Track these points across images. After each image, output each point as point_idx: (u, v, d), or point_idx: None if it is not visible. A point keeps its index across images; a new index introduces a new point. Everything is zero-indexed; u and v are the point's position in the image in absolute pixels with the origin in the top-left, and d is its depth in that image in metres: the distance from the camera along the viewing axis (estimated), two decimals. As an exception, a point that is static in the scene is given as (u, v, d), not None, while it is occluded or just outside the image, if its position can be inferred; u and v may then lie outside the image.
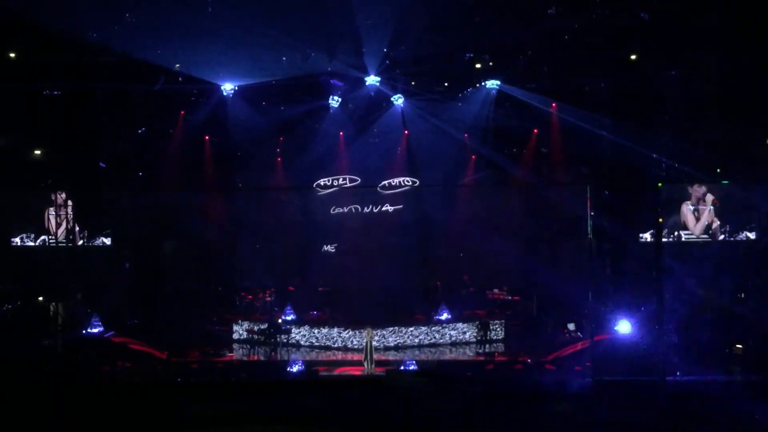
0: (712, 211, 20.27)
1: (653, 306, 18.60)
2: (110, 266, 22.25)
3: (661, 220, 19.33)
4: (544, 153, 23.87)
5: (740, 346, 18.15)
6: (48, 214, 21.51)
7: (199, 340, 20.86)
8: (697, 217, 20.17)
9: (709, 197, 20.28)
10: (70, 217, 20.97)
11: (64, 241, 20.85)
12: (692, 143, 20.02)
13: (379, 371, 18.14)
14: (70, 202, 21.07)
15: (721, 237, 20.36)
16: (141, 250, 23.25)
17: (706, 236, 20.31)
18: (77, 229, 21.16)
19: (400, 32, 19.13)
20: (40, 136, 21.61)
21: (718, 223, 20.20)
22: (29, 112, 20.70)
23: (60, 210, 20.90)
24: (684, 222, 20.56)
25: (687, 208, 20.52)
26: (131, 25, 18.55)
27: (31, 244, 21.51)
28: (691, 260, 19.72)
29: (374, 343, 19.07)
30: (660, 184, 19.79)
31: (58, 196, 20.98)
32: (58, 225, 20.92)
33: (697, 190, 20.44)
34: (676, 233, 20.48)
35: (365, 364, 18.57)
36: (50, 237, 21.13)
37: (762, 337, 18.23)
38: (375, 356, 18.78)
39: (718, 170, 20.27)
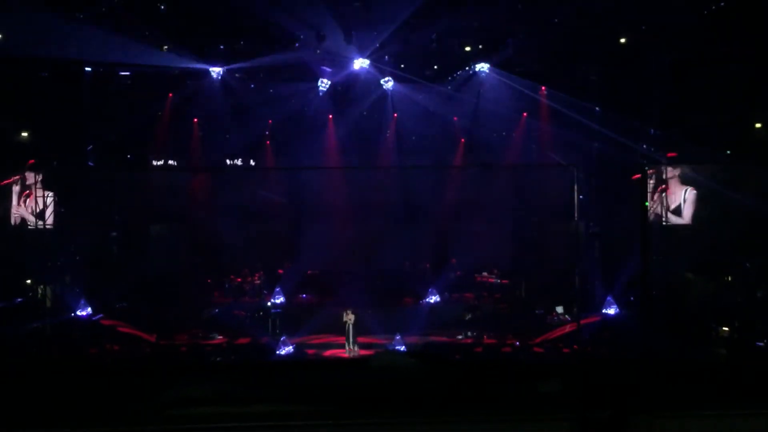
0: (668, 197, 19.65)
1: (640, 289, 18.77)
2: (98, 249, 22.16)
3: (647, 203, 19.36)
4: (532, 136, 23.90)
5: (726, 328, 18.33)
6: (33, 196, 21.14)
7: (188, 323, 20.87)
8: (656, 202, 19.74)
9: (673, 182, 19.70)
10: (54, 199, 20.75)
11: (50, 223, 20.62)
12: (679, 126, 20.06)
13: (366, 353, 18.25)
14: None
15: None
16: (129, 232, 23.16)
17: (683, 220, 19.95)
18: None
19: (389, 15, 19.06)
20: (25, 118, 21.39)
21: (692, 207, 19.64)
22: (14, 92, 20.48)
23: (37, 191, 20.51)
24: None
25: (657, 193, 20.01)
26: (119, 5, 18.41)
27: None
28: (677, 243, 19.78)
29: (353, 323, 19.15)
30: (646, 168, 19.78)
31: (36, 177, 20.61)
32: (37, 207, 20.60)
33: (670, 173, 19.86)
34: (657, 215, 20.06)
35: (346, 345, 18.71)
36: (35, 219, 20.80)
37: (747, 319, 18.40)
38: (365, 338, 18.88)
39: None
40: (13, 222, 20.25)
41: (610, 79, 21.15)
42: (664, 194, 19.36)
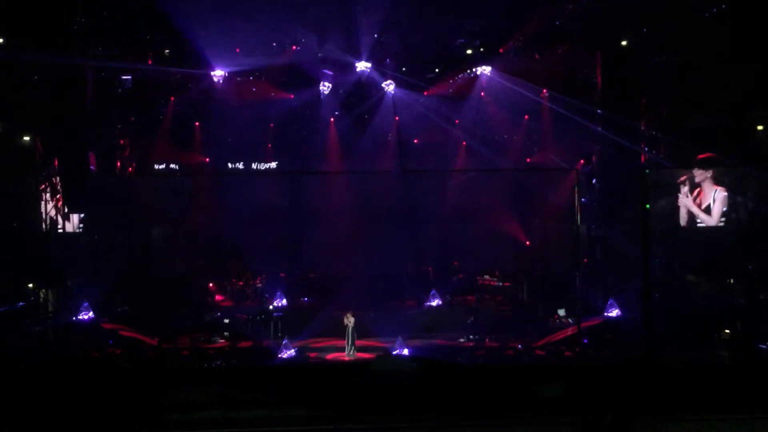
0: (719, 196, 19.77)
1: (642, 292, 18.72)
2: (100, 252, 22.14)
3: (648, 206, 19.32)
4: (534, 139, 23.89)
5: (728, 331, 18.28)
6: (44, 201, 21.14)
7: (190, 326, 20.84)
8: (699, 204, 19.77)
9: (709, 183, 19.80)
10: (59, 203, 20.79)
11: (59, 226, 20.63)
12: (682, 128, 20.03)
13: (365, 356, 18.28)
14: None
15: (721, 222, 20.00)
16: (131, 235, 23.15)
17: (712, 219, 19.87)
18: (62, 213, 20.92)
19: (391, 17, 19.07)
20: (29, 122, 21.40)
21: (721, 207, 19.69)
22: (18, 96, 20.48)
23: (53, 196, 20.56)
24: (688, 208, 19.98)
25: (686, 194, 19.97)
26: (123, 10, 18.46)
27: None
28: (683, 246, 19.74)
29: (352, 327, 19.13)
30: (647, 171, 19.76)
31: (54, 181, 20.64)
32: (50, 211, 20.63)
33: (701, 174, 19.89)
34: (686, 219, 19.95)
35: (346, 348, 18.71)
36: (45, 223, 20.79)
37: (750, 321, 18.36)
38: (366, 341, 18.87)
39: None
40: (44, 227, 20.29)
41: (612, 82, 21.11)
42: (698, 197, 19.51)
